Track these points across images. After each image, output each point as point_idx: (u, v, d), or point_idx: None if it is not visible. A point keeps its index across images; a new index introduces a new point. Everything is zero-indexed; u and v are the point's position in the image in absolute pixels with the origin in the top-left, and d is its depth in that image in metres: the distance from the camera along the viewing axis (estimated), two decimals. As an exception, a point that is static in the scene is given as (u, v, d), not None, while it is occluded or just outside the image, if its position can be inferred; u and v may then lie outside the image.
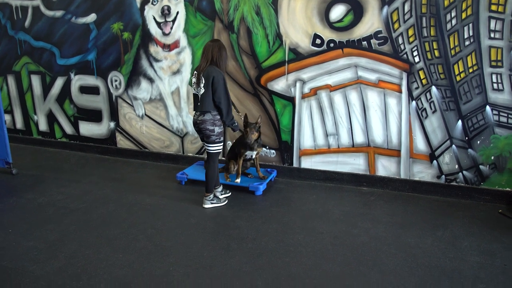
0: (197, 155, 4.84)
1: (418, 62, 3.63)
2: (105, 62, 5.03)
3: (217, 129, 3.44)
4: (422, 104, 3.71)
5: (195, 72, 3.46)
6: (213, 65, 3.37)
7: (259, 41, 4.16)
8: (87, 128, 5.47)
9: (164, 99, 4.84)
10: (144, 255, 2.81)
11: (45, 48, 5.39)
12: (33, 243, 3.00)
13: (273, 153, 4.43)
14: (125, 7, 4.71)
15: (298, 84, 4.12)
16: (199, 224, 3.31)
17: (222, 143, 3.54)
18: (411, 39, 3.60)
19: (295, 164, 4.35)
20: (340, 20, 3.81)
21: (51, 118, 5.71)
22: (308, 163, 4.28)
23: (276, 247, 2.91)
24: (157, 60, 4.73)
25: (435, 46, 3.55)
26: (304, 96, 4.13)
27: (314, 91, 4.08)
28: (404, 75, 3.71)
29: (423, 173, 3.84)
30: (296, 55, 4.05)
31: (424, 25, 3.54)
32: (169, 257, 2.77)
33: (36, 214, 3.52)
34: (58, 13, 5.14)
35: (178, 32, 4.53)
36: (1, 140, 4.53)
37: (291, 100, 4.19)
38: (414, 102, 3.73)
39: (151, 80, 4.84)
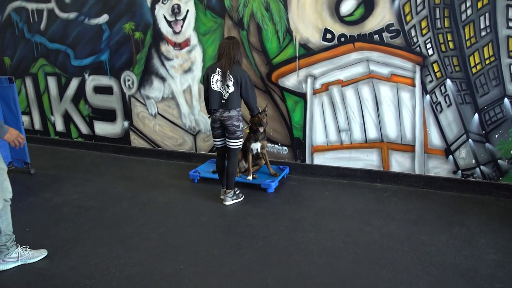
0: (209, 153, 4.86)
1: (432, 54, 3.53)
2: (118, 62, 5.09)
3: (241, 125, 3.52)
4: (437, 98, 3.61)
5: (218, 69, 3.39)
6: (235, 63, 3.40)
7: (269, 37, 4.13)
8: (102, 128, 5.56)
9: (176, 98, 4.86)
10: (156, 254, 2.83)
11: (60, 50, 5.50)
12: (49, 242, 3.06)
13: (285, 150, 4.40)
14: (136, 7, 4.74)
15: (309, 80, 4.08)
16: (210, 222, 3.32)
17: (242, 139, 3.59)
18: (424, 31, 3.50)
19: (307, 161, 4.31)
20: (351, 14, 3.73)
21: (67, 119, 5.83)
22: (320, 159, 4.24)
23: (287, 245, 2.89)
24: (168, 59, 4.75)
25: (449, 38, 3.44)
26: (315, 92, 4.08)
27: (326, 87, 4.02)
28: (418, 69, 3.61)
29: (439, 168, 3.74)
30: (307, 51, 4.00)
31: (437, 16, 3.43)
32: (180, 256, 2.79)
33: (52, 213, 3.60)
34: (72, 15, 5.23)
35: (188, 30, 4.54)
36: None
37: (303, 96, 4.15)
38: (428, 96, 3.64)
39: (163, 79, 4.87)
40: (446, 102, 3.59)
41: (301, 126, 4.24)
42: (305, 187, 4.04)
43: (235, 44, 3.39)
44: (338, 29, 3.81)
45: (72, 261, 2.78)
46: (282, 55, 4.12)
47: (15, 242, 2.76)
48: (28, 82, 5.98)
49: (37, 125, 6.18)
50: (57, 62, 5.60)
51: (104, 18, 5.00)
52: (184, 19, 4.52)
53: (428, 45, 3.52)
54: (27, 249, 2.79)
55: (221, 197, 3.75)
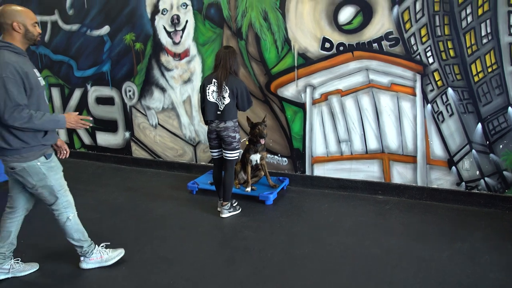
0: (209, 164, 4.81)
1: (432, 63, 3.45)
2: (119, 73, 5.11)
3: (237, 136, 3.46)
4: (438, 107, 3.51)
5: (213, 80, 3.35)
6: (232, 74, 3.34)
7: (268, 47, 4.10)
8: (104, 138, 5.57)
9: (176, 108, 4.85)
10: (147, 267, 2.78)
11: (63, 61, 5.55)
12: (41, 254, 3.04)
13: (285, 161, 4.33)
14: (136, 18, 4.77)
15: (308, 90, 4.02)
16: (205, 235, 3.26)
17: (239, 150, 3.53)
18: (424, 39, 3.43)
19: (307, 172, 4.23)
20: (349, 22, 3.68)
21: (70, 129, 5.86)
22: (321, 170, 4.16)
23: (281, 259, 2.81)
24: (168, 70, 4.75)
25: (450, 46, 3.35)
26: (314, 102, 4.02)
27: (325, 97, 3.96)
28: (418, 77, 3.53)
29: (441, 180, 3.63)
30: (305, 60, 3.95)
31: (437, 23, 3.36)
32: (172, 269, 2.73)
33: (49, 225, 3.55)
34: (75, 27, 5.28)
35: (188, 40, 4.53)
36: (21, 152, 4.66)
37: (302, 106, 4.09)
38: (429, 105, 3.54)
39: (163, 90, 4.87)
40: (448, 112, 3.49)
41: (300, 137, 4.17)
42: (304, 199, 3.96)
43: (231, 54, 3.32)
44: (336, 38, 3.76)
45: (63, 274, 2.74)
46: (281, 65, 4.08)
47: (12, 254, 2.75)
48: (33, 93, 6.04)
49: (41, 136, 6.23)
50: (61, 73, 5.65)
51: (106, 29, 5.03)
52: (183, 30, 4.52)
53: (428, 53, 3.44)
54: (18, 261, 2.77)
55: (218, 209, 3.69)
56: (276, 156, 4.36)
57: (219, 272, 2.68)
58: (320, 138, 4.08)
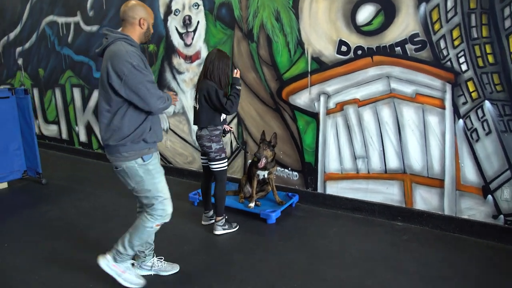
0: (218, 173, 4.51)
1: (466, 70, 2.89)
2: (134, 75, 4.98)
3: (215, 145, 3.12)
4: (472, 124, 2.94)
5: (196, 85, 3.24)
6: (206, 78, 3.07)
7: (280, 50, 3.73)
8: (119, 141, 5.48)
9: (186, 113, 4.62)
10: (117, 286, 2.51)
11: (84, 62, 5.55)
12: (18, 261, 2.89)
13: (296, 175, 3.92)
14: (150, 19, 4.61)
15: (322, 98, 3.59)
16: (190, 255, 2.94)
17: (225, 160, 3.19)
18: (456, 43, 2.89)
19: (319, 189, 3.79)
20: (369, 23, 3.22)
21: (89, 130, 5.85)
22: (334, 189, 3.70)
23: (264, 294, 2.42)
24: (179, 72, 4.53)
25: (488, 50, 2.79)
26: (329, 112, 3.58)
27: (340, 106, 3.51)
28: (448, 87, 2.98)
29: (474, 210, 3.04)
30: (320, 65, 3.53)
31: (473, 24, 2.81)
32: (139, 294, 2.45)
33: (40, 229, 3.46)
34: (94, 28, 5.25)
35: (199, 42, 4.28)
36: (32, 152, 4.67)
37: (315, 116, 3.67)
38: (461, 121, 2.98)
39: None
40: (484, 129, 2.91)
41: (313, 150, 3.74)
42: (312, 220, 3.53)
43: (212, 56, 3.09)
44: (354, 40, 3.31)
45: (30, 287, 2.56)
46: (293, 70, 3.69)
47: (153, 252, 2.73)
48: (58, 92, 6.13)
49: (64, 135, 6.30)
50: (81, 74, 5.66)
51: (122, 30, 4.93)
52: (195, 31, 4.28)
53: (461, 59, 2.89)
54: (161, 260, 2.74)
55: (202, 222, 3.44)
56: (286, 170, 3.97)
57: (190, 302, 2.35)
58: (334, 153, 3.63)
